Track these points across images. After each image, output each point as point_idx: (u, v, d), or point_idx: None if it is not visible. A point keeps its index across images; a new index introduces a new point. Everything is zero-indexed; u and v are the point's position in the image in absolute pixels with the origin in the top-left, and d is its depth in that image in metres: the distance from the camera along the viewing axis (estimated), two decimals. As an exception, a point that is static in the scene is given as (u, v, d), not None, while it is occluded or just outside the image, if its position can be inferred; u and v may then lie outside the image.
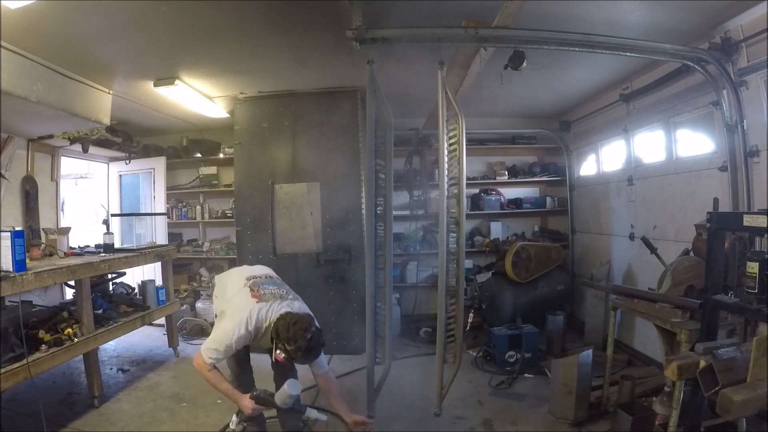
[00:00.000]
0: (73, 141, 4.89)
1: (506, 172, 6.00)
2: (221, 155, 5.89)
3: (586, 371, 3.12)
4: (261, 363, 4.40)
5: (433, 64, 2.74)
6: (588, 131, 5.48)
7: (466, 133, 2.74)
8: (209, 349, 2.35)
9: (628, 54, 3.03)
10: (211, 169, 6.03)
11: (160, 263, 4.62)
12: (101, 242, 4.07)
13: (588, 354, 3.15)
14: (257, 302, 2.45)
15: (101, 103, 4.02)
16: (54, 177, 5.05)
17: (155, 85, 4.06)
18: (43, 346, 2.96)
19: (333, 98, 4.69)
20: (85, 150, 5.17)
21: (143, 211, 5.92)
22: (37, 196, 4.69)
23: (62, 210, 5.24)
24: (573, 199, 5.86)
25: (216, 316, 2.78)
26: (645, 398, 3.10)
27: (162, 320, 4.68)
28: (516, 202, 5.97)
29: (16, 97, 3.08)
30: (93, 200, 6.28)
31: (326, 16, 2.93)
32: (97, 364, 3.51)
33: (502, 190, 6.01)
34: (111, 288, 4.48)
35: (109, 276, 4.33)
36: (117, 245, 4.33)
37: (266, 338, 2.40)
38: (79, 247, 4.18)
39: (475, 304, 4.91)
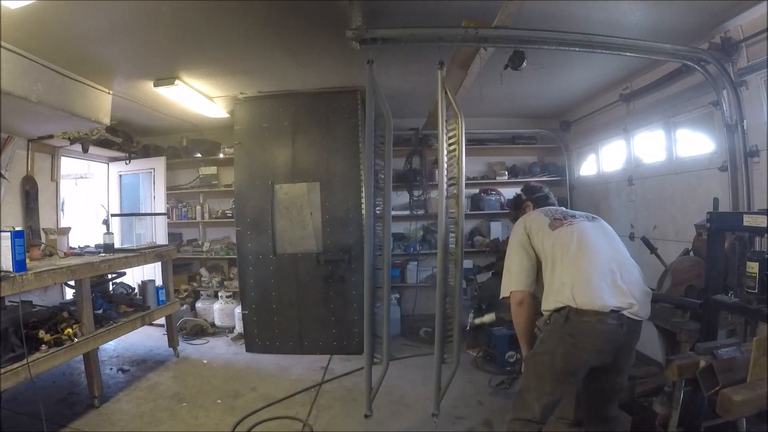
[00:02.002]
0: (73, 141, 4.88)
1: (506, 172, 6.00)
2: (221, 155, 5.89)
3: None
4: (261, 363, 4.43)
5: (433, 64, 2.74)
6: (588, 131, 5.48)
7: (465, 133, 2.75)
8: None
9: (628, 54, 3.02)
10: (211, 169, 6.03)
11: (160, 263, 4.62)
12: (101, 242, 4.07)
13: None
14: None
15: (101, 103, 4.02)
16: (54, 177, 5.04)
17: (155, 85, 4.06)
18: (43, 346, 2.96)
19: (333, 98, 4.69)
20: (85, 150, 5.17)
21: (143, 211, 5.92)
22: (37, 196, 4.69)
23: (62, 210, 5.24)
24: (573, 199, 5.86)
25: None
26: (645, 398, 3.10)
27: (162, 320, 4.68)
28: (516, 202, 5.96)
29: (16, 97, 3.08)
30: (93, 200, 6.28)
31: (326, 16, 2.93)
32: (97, 364, 3.51)
33: (502, 190, 6.01)
34: (111, 288, 4.48)
35: (109, 276, 4.34)
36: (117, 245, 4.33)
37: None
38: (79, 247, 4.18)
39: (475, 304, 4.91)
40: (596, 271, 2.02)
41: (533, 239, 2.22)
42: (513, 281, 2.21)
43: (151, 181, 5.86)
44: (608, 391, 2.18)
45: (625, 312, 1.94)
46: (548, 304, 2.06)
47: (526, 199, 2.63)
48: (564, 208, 2.43)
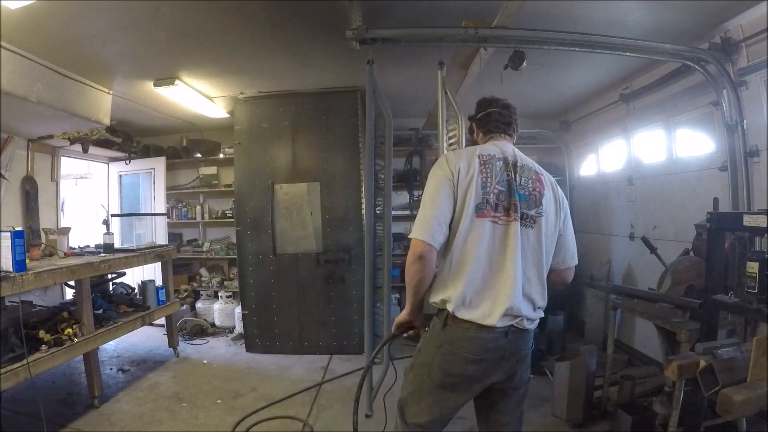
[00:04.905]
0: (73, 141, 4.88)
1: (506, 172, 5.99)
2: (221, 155, 5.89)
3: (588, 371, 3.12)
4: (261, 363, 4.42)
5: (433, 64, 2.74)
6: (588, 131, 5.48)
7: (466, 133, 2.75)
8: None
9: (628, 54, 3.03)
10: (211, 169, 6.02)
11: (160, 263, 4.62)
12: (101, 242, 4.07)
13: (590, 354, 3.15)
14: None
15: (101, 103, 4.02)
16: (54, 177, 5.04)
17: (155, 85, 4.05)
18: (43, 346, 2.96)
19: (333, 98, 4.69)
20: (85, 150, 5.16)
21: (143, 211, 5.92)
22: (37, 196, 4.69)
23: (62, 210, 5.24)
24: (573, 199, 5.85)
25: None
26: (645, 398, 3.10)
27: (162, 320, 4.68)
28: (516, 202, 5.96)
29: (16, 97, 3.08)
30: (93, 200, 6.28)
31: (326, 16, 2.93)
32: (97, 364, 3.51)
33: (502, 190, 6.00)
34: (111, 288, 4.48)
35: (109, 276, 4.34)
36: (117, 245, 4.33)
37: None
38: (79, 247, 4.18)
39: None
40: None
41: (458, 192, 1.72)
42: (422, 227, 1.66)
43: (151, 181, 5.86)
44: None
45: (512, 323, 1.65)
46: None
47: (471, 120, 2.08)
48: (511, 176, 1.85)
